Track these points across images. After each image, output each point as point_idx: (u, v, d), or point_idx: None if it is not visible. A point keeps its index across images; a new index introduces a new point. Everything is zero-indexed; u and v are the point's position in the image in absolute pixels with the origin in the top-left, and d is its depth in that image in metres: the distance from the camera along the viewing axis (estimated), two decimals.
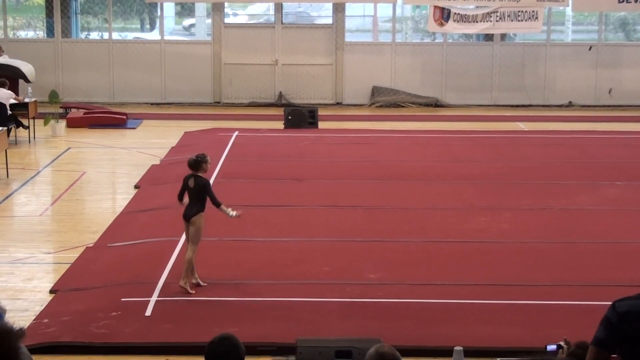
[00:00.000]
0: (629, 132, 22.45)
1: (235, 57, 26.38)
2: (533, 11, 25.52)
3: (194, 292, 10.60)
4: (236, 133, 20.99)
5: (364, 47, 27.37)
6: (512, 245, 12.71)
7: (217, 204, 10.78)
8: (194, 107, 25.76)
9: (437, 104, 26.53)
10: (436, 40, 27.76)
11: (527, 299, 10.61)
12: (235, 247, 12.53)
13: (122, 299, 10.38)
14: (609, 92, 26.77)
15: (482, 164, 18.13)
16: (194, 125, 22.24)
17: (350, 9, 27.59)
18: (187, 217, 10.70)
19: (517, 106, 26.43)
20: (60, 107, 22.89)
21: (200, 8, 28.30)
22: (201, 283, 10.77)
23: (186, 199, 10.79)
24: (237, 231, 13.12)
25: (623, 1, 25.52)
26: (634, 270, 11.57)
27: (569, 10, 27.48)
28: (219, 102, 26.43)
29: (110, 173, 18.11)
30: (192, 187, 10.73)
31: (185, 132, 21.26)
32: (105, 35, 26.85)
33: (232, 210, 10.87)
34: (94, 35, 28.09)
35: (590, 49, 26.87)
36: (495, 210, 14.49)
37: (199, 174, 10.75)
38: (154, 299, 10.33)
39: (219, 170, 17.05)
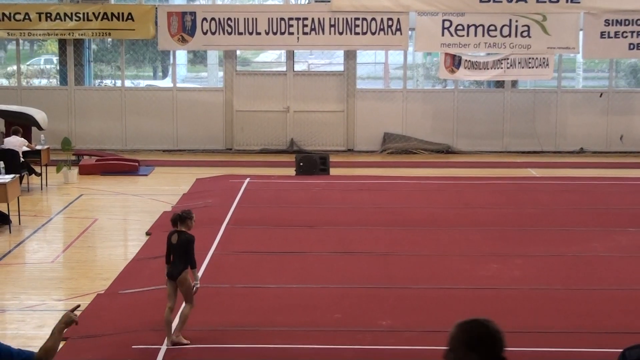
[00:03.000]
0: (638, 178, 22.41)
1: (247, 104, 26.54)
2: (544, 58, 25.63)
3: (188, 342, 10.28)
4: (248, 180, 21.05)
5: (375, 94, 27.51)
6: (524, 291, 12.65)
7: (193, 266, 10.27)
8: (206, 154, 25.87)
9: (448, 151, 26.57)
10: (447, 87, 27.88)
11: (539, 346, 10.54)
12: (246, 293, 12.50)
13: (133, 347, 10.35)
14: (620, 138, 26.78)
15: (493, 210, 18.11)
16: (206, 172, 22.32)
17: (362, 56, 27.81)
18: (173, 276, 10.23)
19: (528, 152, 26.46)
20: (73, 155, 23.02)
21: (212, 56, 28.50)
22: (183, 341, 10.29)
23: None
24: (249, 278, 13.13)
25: (633, 48, 25.62)
26: None
27: (579, 57, 27.58)
28: (230, 149, 26.54)
29: (122, 220, 18.15)
30: (174, 244, 10.30)
31: (197, 179, 21.33)
32: (118, 83, 27.05)
33: (197, 282, 10.43)
34: (107, 82, 28.30)
35: (601, 96, 26.94)
36: (506, 256, 14.44)
37: (183, 230, 10.39)
38: (164, 346, 10.30)
39: (231, 216, 17.07)
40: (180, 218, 10.43)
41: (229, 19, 25.59)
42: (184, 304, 10.50)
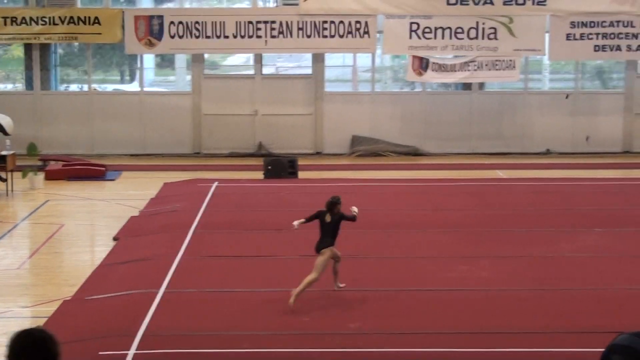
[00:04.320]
0: (606, 178, 22.61)
1: (214, 108, 26.47)
2: (510, 60, 25.76)
3: (292, 303, 11.56)
4: (216, 184, 20.99)
5: (343, 97, 27.54)
6: (492, 293, 12.69)
7: (353, 218, 12.56)
8: (174, 158, 25.77)
9: (416, 153, 26.63)
10: (415, 90, 27.95)
11: (508, 347, 10.58)
12: (215, 298, 12.45)
13: (100, 353, 10.28)
14: (587, 139, 26.97)
15: (462, 212, 18.16)
16: (174, 176, 22.23)
17: (330, 59, 27.81)
18: (318, 249, 12.05)
19: (496, 154, 26.57)
20: (39, 160, 22.86)
21: (180, 59, 28.41)
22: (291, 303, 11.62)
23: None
24: (217, 282, 13.09)
25: (599, 50, 25.80)
26: (614, 317, 11.55)
27: (545, 59, 27.73)
28: (198, 153, 26.45)
29: (89, 225, 18.04)
30: (328, 222, 12.21)
31: (164, 183, 21.24)
32: (85, 88, 26.90)
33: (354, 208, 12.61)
34: (74, 87, 28.11)
35: (567, 97, 27.11)
36: (474, 258, 14.48)
37: (336, 212, 12.20)
38: (132, 352, 10.23)
39: (199, 221, 17.00)
40: (332, 203, 12.30)
41: (197, 22, 25.51)
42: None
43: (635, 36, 25.64)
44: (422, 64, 25.90)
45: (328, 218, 12.26)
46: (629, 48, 25.78)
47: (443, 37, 25.63)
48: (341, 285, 12.45)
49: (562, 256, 14.68)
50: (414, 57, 25.87)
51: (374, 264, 14.19)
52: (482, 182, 21.95)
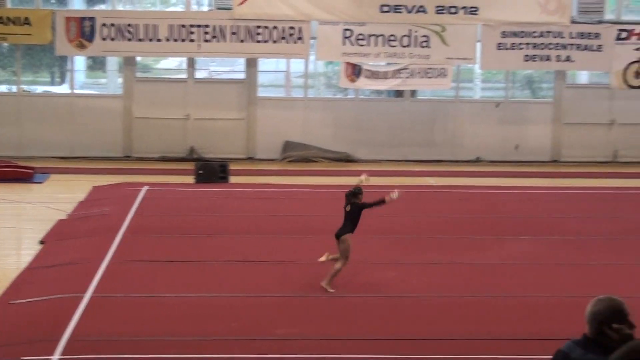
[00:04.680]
0: (534, 187, 22.89)
1: (146, 111, 26.26)
2: (442, 68, 25.97)
3: (333, 290, 12.65)
4: (146, 188, 20.81)
5: (276, 102, 27.52)
6: (421, 299, 12.78)
7: (381, 202, 13.18)
8: (104, 162, 25.48)
9: (348, 159, 26.71)
10: (348, 96, 28.04)
11: (435, 354, 10.65)
12: (142, 303, 12.35)
13: (22, 358, 10.12)
14: (516, 148, 27.30)
15: (392, 218, 18.23)
16: (103, 180, 22.00)
17: (263, 64, 27.76)
18: (338, 236, 12.91)
19: (427, 161, 26.76)
20: None
21: (112, 62, 28.14)
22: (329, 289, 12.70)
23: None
24: (145, 287, 12.98)
25: (529, 60, 26.13)
26: (540, 324, 11.70)
27: (477, 68, 28.01)
28: (129, 157, 26.21)
29: (15, 228, 17.78)
30: (348, 212, 13.04)
31: (93, 187, 21.01)
32: (14, 89, 26.50)
33: (394, 194, 13.27)
34: (2, 88, 27.66)
35: (497, 106, 27.44)
36: (404, 264, 14.57)
37: (355, 201, 12.99)
38: (56, 357, 10.10)
39: (128, 225, 16.85)
40: (353, 193, 13.15)
41: (129, 25, 25.29)
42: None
43: (564, 47, 26.02)
44: (355, 71, 25.99)
45: (348, 207, 13.13)
46: (558, 58, 26.14)
47: (376, 44, 25.75)
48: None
49: (490, 263, 14.83)
50: (347, 63, 25.95)
51: (304, 270, 14.17)
52: (412, 189, 22.06)
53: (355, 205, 13.08)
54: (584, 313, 5.55)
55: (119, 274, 13.64)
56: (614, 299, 5.54)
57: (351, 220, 13.04)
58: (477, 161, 27.08)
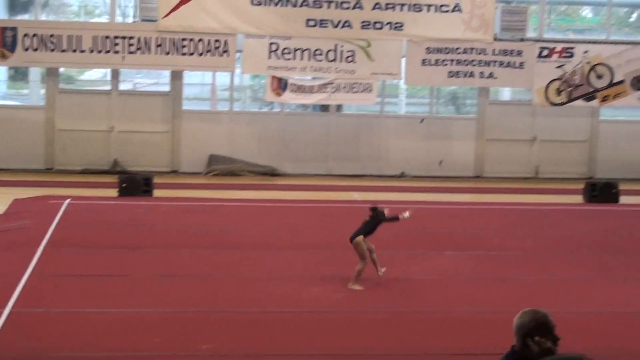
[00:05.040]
0: (458, 202, 23.12)
1: (69, 123, 25.94)
2: (367, 83, 26.14)
3: (362, 288, 13.84)
4: (68, 201, 20.53)
5: (201, 115, 27.39)
6: (345, 314, 12.77)
7: (395, 219, 14.57)
8: (25, 174, 25.08)
9: (273, 173, 26.69)
10: (274, 110, 28.03)
11: None
12: (63, 318, 12.14)
13: None
14: (440, 163, 27.57)
15: (317, 233, 18.26)
16: (24, 193, 21.64)
17: (189, 77, 27.63)
18: (351, 239, 14.17)
19: (352, 176, 26.86)
20: None
21: (34, 73, 27.73)
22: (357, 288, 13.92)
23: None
24: (66, 302, 12.76)
25: (453, 76, 26.43)
26: (464, 340, 11.77)
27: (402, 83, 28.22)
28: (51, 169, 25.85)
29: None
30: (367, 220, 14.47)
31: (14, 200, 20.65)
32: None
33: (406, 213, 14.47)
34: None
35: (422, 122, 27.68)
36: (329, 279, 14.56)
37: (376, 215, 14.43)
38: None
39: (49, 238, 16.59)
40: (371, 209, 14.64)
41: (52, 35, 24.97)
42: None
43: (487, 63, 26.38)
44: (280, 85, 26.01)
45: (368, 217, 14.51)
46: (481, 75, 26.50)
47: (302, 59, 25.82)
48: (383, 269, 14.41)
49: (414, 279, 14.90)
50: (273, 77, 25.96)
51: (229, 284, 14.10)
52: (337, 204, 22.14)
53: (376, 218, 14.45)
54: (509, 327, 5.62)
55: (39, 289, 13.40)
56: (538, 312, 5.62)
57: (366, 228, 14.36)
58: (402, 176, 27.27)
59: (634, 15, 32.86)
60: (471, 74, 26.47)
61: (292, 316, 12.61)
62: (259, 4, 25.40)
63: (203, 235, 17.66)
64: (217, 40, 25.46)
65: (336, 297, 13.62)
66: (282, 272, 15.01)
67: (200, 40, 25.41)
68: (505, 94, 29.91)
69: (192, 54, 25.48)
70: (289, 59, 25.77)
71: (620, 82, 27.13)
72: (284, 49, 25.73)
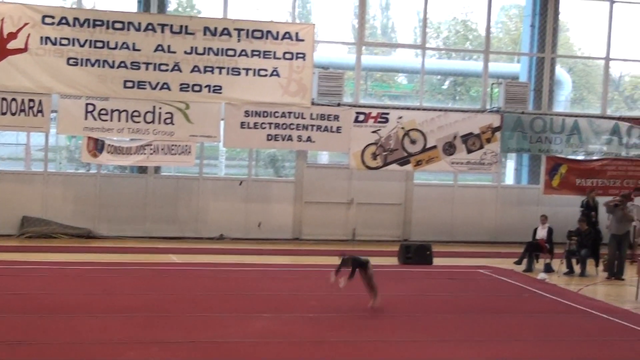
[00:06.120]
0: (276, 264, 23.21)
1: None
2: (186, 145, 26.07)
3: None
4: None
5: (14, 176, 26.69)
6: None
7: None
8: None
9: (89, 235, 26.17)
10: (90, 171, 27.55)
11: None
12: None
13: None
14: (259, 225, 27.69)
15: (133, 296, 17.94)
16: None
17: (2, 136, 26.89)
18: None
19: (170, 238, 26.63)
20: None
21: None
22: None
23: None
24: None
25: (271, 139, 26.69)
26: None
27: (221, 146, 28.29)
28: None
29: None
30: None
31: None
32: None
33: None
34: None
35: (240, 184, 27.78)
36: (144, 343, 14.28)
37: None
38: None
39: None
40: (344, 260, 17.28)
41: None
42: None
43: (305, 127, 26.80)
44: (97, 146, 25.61)
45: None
46: (299, 138, 26.87)
47: (119, 120, 25.55)
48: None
49: (230, 341, 14.79)
50: (90, 138, 25.55)
51: (37, 351, 13.60)
52: (155, 267, 21.85)
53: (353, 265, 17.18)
54: None
55: None
56: None
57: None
58: (221, 238, 27.22)
59: (446, 83, 34.22)
60: (290, 137, 26.80)
61: None
62: (75, 64, 25.03)
63: (12, 299, 17.03)
64: (31, 100, 24.90)
65: None
66: (95, 336, 14.62)
67: (13, 99, 24.81)
68: (324, 157, 30.43)
69: (4, 113, 24.83)
70: (105, 120, 25.45)
71: (433, 147, 28.09)
72: (101, 109, 25.40)
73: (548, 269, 23.95)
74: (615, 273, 23.35)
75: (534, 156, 30.60)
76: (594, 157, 29.87)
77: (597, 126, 29.64)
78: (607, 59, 30.78)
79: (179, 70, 25.66)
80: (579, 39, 36.00)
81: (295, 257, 25.18)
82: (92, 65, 25.16)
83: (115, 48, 25.23)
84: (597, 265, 24.12)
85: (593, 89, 34.12)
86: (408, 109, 28.46)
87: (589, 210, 27.10)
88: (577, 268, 23.87)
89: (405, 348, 14.71)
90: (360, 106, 27.92)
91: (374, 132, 27.57)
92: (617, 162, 29.94)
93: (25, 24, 24.70)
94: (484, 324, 16.84)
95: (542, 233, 25.00)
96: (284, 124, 26.66)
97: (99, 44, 25.12)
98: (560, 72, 31.91)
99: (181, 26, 25.65)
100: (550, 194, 29.71)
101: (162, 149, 25.99)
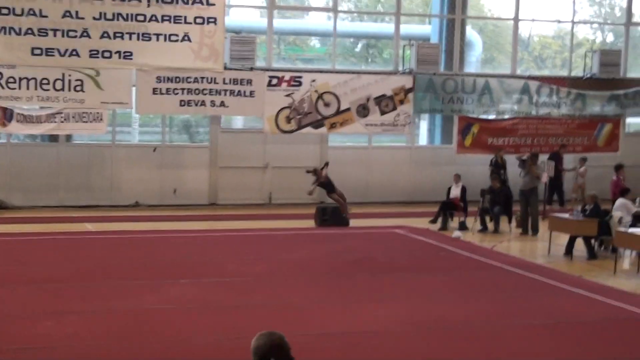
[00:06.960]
0: (192, 230, 23.16)
1: None
2: (98, 113, 25.75)
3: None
4: None
5: None
6: (79, 349, 12.44)
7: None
8: None
9: (2, 206, 25.74)
10: (0, 141, 27.04)
11: None
12: None
13: None
14: (174, 192, 27.55)
15: (48, 266, 17.75)
16: None
17: None
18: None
19: (85, 207, 26.34)
20: None
21: None
22: None
23: None
24: None
25: (184, 105, 26.49)
26: None
27: (134, 112, 27.99)
28: None
29: None
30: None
31: None
32: None
33: None
34: None
35: (154, 150, 27.56)
36: (60, 313, 14.15)
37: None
38: None
39: None
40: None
41: None
42: None
43: (218, 92, 26.65)
44: (6, 115, 25.14)
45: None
46: (213, 104, 26.72)
47: (28, 88, 25.06)
48: None
49: (148, 308, 14.74)
50: None
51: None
52: (70, 236, 21.62)
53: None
54: (248, 353, 5.74)
55: None
56: (274, 334, 5.82)
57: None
58: (136, 205, 27.02)
59: (359, 46, 34.31)
60: (203, 103, 26.63)
61: (22, 354, 12.14)
62: None
63: None
64: None
65: (68, 332, 13.25)
66: (12, 307, 14.45)
67: None
68: (238, 122, 30.34)
69: None
70: (14, 89, 24.94)
71: (347, 109, 28.21)
72: (9, 77, 24.89)
73: (462, 226, 24.36)
74: (529, 230, 23.83)
75: (446, 117, 30.97)
76: (505, 116, 30.33)
77: (508, 86, 30.09)
78: (516, 19, 31.22)
79: (88, 36, 25.17)
80: (488, 0, 36.41)
81: (211, 223, 25.13)
82: None
83: (21, 15, 24.63)
84: (510, 221, 24.58)
85: (503, 50, 34.57)
86: (321, 72, 28.51)
87: (497, 168, 27.55)
88: (490, 225, 24.29)
89: (322, 309, 14.83)
90: (273, 70, 27.87)
91: (287, 95, 27.56)
92: (527, 120, 30.47)
93: None
94: (401, 283, 17.06)
95: (455, 192, 25.37)
96: (196, 89, 26.46)
97: (5, 11, 24.48)
98: (471, 33, 32.25)
99: None
100: (463, 153, 30.11)
101: (73, 117, 25.62)
